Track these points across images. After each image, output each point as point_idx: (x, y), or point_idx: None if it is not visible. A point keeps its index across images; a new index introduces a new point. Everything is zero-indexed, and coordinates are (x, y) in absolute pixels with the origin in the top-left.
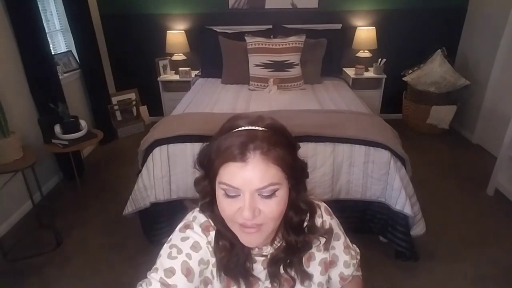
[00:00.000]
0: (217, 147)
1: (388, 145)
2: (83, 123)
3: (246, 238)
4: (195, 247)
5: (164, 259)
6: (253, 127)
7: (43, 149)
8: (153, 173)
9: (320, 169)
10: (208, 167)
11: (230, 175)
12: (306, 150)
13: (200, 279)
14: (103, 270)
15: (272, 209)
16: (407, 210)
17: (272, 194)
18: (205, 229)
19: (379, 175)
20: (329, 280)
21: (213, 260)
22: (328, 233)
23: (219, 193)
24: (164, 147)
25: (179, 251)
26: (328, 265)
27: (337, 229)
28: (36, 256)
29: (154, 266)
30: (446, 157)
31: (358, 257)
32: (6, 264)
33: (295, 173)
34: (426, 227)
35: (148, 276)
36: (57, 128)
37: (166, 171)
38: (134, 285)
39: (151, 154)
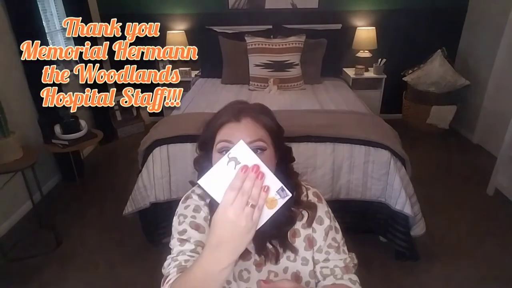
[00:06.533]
0: (215, 118)
1: (388, 145)
2: (83, 123)
3: None
4: (197, 209)
5: (176, 226)
6: (244, 105)
7: (43, 149)
8: (153, 173)
9: (320, 169)
10: (208, 136)
11: (226, 133)
12: (306, 150)
13: None
14: (103, 270)
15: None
16: (407, 210)
17: (261, 152)
18: (202, 196)
19: (379, 175)
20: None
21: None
22: (311, 208)
23: (216, 157)
24: (164, 147)
25: (185, 217)
26: (312, 241)
27: (323, 214)
28: (36, 256)
29: (171, 236)
30: (446, 157)
31: (348, 260)
32: (6, 264)
33: (281, 145)
34: (426, 227)
35: (169, 245)
36: (57, 128)
37: (166, 171)
38: (134, 285)
39: (151, 154)
